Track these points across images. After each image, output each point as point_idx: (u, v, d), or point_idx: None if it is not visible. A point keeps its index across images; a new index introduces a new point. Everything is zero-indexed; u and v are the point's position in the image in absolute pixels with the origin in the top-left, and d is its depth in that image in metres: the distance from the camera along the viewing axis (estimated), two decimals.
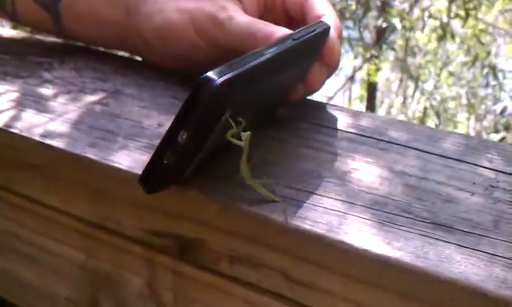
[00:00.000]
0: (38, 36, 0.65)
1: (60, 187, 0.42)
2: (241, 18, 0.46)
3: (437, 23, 2.46)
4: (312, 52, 0.43)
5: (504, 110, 2.32)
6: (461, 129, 3.03)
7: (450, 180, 0.38)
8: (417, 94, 2.89)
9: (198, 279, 0.38)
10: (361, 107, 3.11)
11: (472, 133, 2.85)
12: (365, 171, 0.38)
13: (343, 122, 0.45)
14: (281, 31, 0.44)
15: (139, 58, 0.58)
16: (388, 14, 2.41)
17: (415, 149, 0.42)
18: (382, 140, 0.43)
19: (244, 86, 0.33)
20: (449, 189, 0.37)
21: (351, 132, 0.43)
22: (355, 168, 0.39)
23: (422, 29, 2.59)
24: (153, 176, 0.33)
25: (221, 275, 0.37)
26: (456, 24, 2.56)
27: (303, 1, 0.48)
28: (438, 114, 2.86)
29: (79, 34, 0.58)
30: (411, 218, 0.34)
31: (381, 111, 3.18)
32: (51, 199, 0.43)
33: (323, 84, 0.46)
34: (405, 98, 2.91)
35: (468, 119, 2.99)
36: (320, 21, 0.43)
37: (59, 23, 0.56)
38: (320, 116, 0.46)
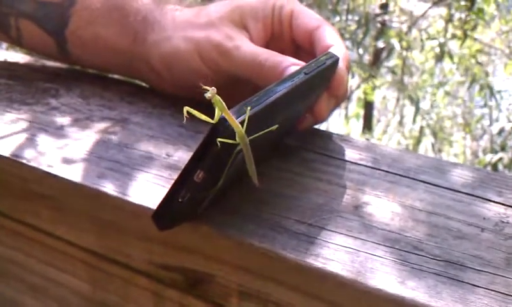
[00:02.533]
0: (44, 61, 0.65)
1: (67, 218, 0.42)
2: (248, 48, 0.47)
3: (435, 43, 2.48)
4: (321, 84, 0.43)
5: (501, 130, 2.33)
6: (457, 148, 3.05)
7: (460, 214, 0.38)
8: (413, 113, 2.91)
9: None
10: (357, 125, 3.13)
11: (468, 152, 2.87)
12: (375, 206, 0.38)
13: (350, 153, 0.45)
14: (288, 61, 0.44)
15: (145, 84, 0.58)
16: (386, 35, 2.43)
17: (424, 182, 0.42)
18: (390, 172, 0.43)
19: (258, 124, 0.33)
20: (459, 225, 0.37)
21: (359, 164, 0.43)
22: (365, 202, 0.39)
23: (421, 50, 2.61)
24: (167, 214, 0.33)
25: None
26: (453, 44, 2.59)
27: (311, 31, 0.48)
28: (434, 134, 2.87)
29: (84, 61, 0.58)
30: (423, 255, 0.34)
31: (377, 130, 3.20)
32: (58, 229, 0.43)
33: (331, 114, 0.47)
34: (402, 116, 2.94)
35: (464, 138, 3.01)
36: (330, 52, 0.44)
37: (64, 49, 0.56)
38: (327, 146, 0.46)
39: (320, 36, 0.48)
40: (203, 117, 0.34)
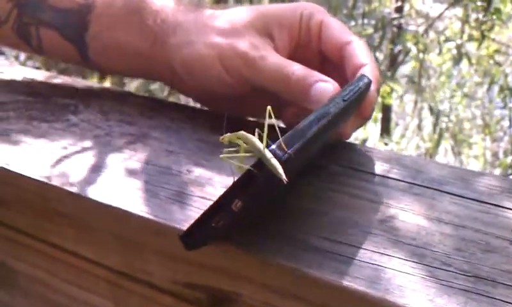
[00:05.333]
0: (62, 76, 0.65)
1: (91, 237, 0.42)
2: (273, 59, 0.46)
3: (452, 45, 2.45)
4: (355, 108, 0.43)
5: None
6: (477, 150, 3.02)
7: (487, 227, 0.37)
8: (433, 119, 2.88)
9: None
10: (375, 129, 3.11)
11: (488, 154, 2.84)
12: (401, 219, 0.38)
13: (374, 164, 0.44)
14: (316, 76, 0.44)
15: (165, 97, 0.58)
16: (402, 38, 2.41)
17: (449, 193, 0.41)
18: (415, 184, 0.42)
19: (301, 153, 0.33)
20: (487, 237, 0.36)
21: (383, 176, 0.43)
22: (391, 216, 0.38)
23: (439, 53, 2.59)
24: (198, 236, 0.33)
25: None
26: (470, 46, 2.56)
27: (342, 46, 0.47)
28: (453, 136, 2.84)
29: (105, 66, 0.58)
30: (451, 271, 0.33)
31: (396, 133, 3.18)
32: (82, 248, 0.43)
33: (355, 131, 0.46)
34: (420, 120, 2.92)
35: (484, 140, 2.97)
36: (364, 76, 0.43)
37: (85, 55, 0.56)
38: (351, 158, 0.45)
39: (352, 52, 0.46)
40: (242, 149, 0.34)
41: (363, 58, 0.46)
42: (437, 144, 2.74)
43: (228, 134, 0.35)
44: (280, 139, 0.32)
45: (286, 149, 0.32)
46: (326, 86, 0.44)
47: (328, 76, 0.45)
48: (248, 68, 0.46)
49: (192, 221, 0.34)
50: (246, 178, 0.31)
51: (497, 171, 2.64)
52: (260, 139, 0.34)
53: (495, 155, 2.81)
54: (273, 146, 0.32)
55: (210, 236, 0.34)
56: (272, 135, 0.35)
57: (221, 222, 0.32)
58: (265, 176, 0.31)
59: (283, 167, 0.31)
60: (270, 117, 0.35)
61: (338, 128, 0.44)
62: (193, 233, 0.33)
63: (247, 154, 0.34)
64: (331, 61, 0.49)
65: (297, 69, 0.44)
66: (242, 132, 0.34)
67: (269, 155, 0.32)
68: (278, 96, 0.47)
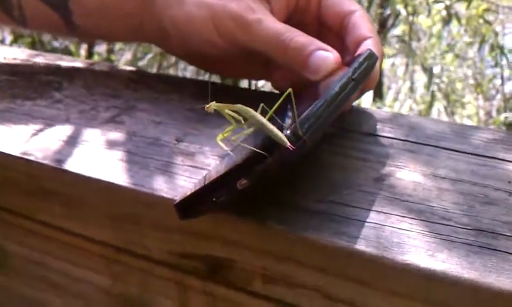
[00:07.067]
0: (45, 54, 0.64)
1: (81, 213, 0.41)
2: (270, 23, 0.43)
3: (441, 6, 2.43)
4: (361, 84, 0.42)
5: None
6: (470, 110, 3.01)
7: (485, 179, 0.36)
8: (424, 78, 2.86)
9: (231, 299, 0.37)
10: (368, 93, 3.08)
11: (482, 113, 2.83)
12: (396, 177, 0.37)
13: (367, 124, 0.43)
14: (315, 44, 0.42)
15: (148, 71, 0.57)
16: (392, 1, 2.38)
17: (445, 148, 0.40)
18: (409, 141, 0.41)
19: (313, 137, 0.32)
20: (486, 190, 0.35)
21: (377, 135, 0.42)
22: (386, 174, 0.37)
23: (428, 15, 2.57)
24: (194, 208, 0.32)
25: (254, 295, 0.35)
26: (459, 6, 2.54)
27: (345, 15, 0.45)
28: (446, 96, 2.83)
29: (91, 31, 0.55)
30: (451, 225, 0.32)
31: (388, 97, 3.16)
32: (73, 225, 0.42)
33: None
34: (412, 82, 2.90)
35: (477, 99, 2.96)
36: (371, 53, 0.41)
37: (70, 22, 0.53)
38: (343, 118, 0.44)
39: (355, 23, 0.44)
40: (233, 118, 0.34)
41: (367, 30, 0.44)
42: (430, 105, 2.73)
43: (215, 103, 0.34)
44: (296, 123, 0.31)
45: (301, 134, 0.30)
46: (326, 55, 0.41)
47: (325, 42, 0.43)
48: (243, 31, 0.44)
49: (186, 191, 0.33)
50: (253, 159, 0.30)
51: None
52: (263, 113, 0.33)
53: (488, 113, 2.81)
54: (288, 132, 0.30)
55: (208, 209, 0.33)
56: (277, 112, 0.34)
57: (223, 198, 0.31)
58: (276, 159, 0.30)
59: (297, 154, 0.30)
60: (290, 100, 0.34)
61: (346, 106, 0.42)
62: (190, 205, 0.32)
63: (249, 130, 0.33)
64: (329, 28, 0.47)
65: (295, 35, 0.42)
66: (241, 106, 0.34)
67: (271, 127, 0.31)
68: (269, 59, 0.46)
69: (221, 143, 0.33)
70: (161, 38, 0.51)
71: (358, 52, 0.43)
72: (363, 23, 0.44)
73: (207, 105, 0.34)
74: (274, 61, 0.45)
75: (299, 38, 0.42)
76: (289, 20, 0.47)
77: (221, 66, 0.52)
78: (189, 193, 0.32)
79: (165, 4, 0.48)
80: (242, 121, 0.34)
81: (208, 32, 0.45)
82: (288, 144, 0.30)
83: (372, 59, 0.40)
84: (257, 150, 0.30)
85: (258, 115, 0.33)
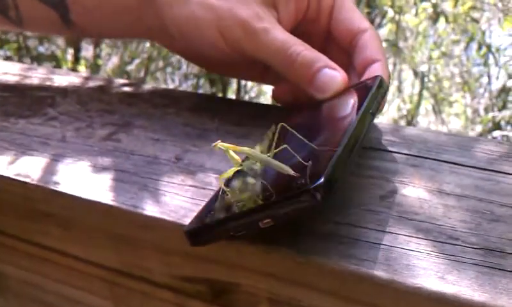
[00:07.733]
0: (35, 67, 0.62)
1: (79, 235, 0.40)
2: (278, 34, 0.42)
3: (427, 4, 2.44)
4: None
5: (503, 89, 2.30)
6: (457, 108, 3.02)
7: (490, 195, 0.36)
8: (411, 77, 2.87)
9: None
10: None
11: (469, 111, 2.85)
12: (401, 194, 0.36)
13: (369, 137, 0.43)
14: (323, 61, 0.41)
15: (142, 78, 0.56)
16: (379, 1, 2.39)
17: (448, 162, 0.40)
18: (411, 155, 0.41)
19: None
20: (491, 206, 0.35)
21: (379, 149, 0.41)
22: (391, 191, 0.37)
23: (416, 14, 2.58)
24: (208, 236, 0.31)
25: None
26: (446, 4, 2.55)
27: (356, 33, 0.44)
28: (434, 95, 2.84)
29: (89, 29, 0.54)
30: (459, 245, 0.32)
31: None
32: (71, 247, 0.41)
33: None
34: (400, 82, 2.91)
35: (464, 97, 2.98)
36: (382, 81, 0.40)
37: (68, 20, 0.52)
38: None
39: (366, 43, 0.44)
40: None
41: (376, 52, 0.43)
42: (418, 104, 2.74)
43: (221, 143, 0.35)
44: (322, 180, 0.29)
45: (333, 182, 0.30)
46: (334, 74, 0.41)
47: (331, 55, 0.42)
48: (249, 40, 0.42)
49: (194, 216, 0.33)
50: (281, 202, 0.29)
51: (478, 128, 2.65)
52: (273, 138, 0.33)
53: (475, 111, 2.82)
54: (321, 180, 0.29)
55: (223, 238, 0.32)
56: (286, 133, 0.34)
57: (242, 233, 0.30)
58: (307, 205, 0.29)
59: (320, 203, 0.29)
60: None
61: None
62: (204, 232, 0.31)
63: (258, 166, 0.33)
64: (336, 42, 0.46)
65: (303, 50, 0.41)
66: (248, 149, 0.34)
67: (280, 164, 0.32)
68: (273, 70, 0.44)
69: (221, 182, 0.33)
70: (161, 37, 0.50)
71: (366, 75, 0.42)
72: (373, 45, 0.43)
73: (213, 144, 0.34)
74: (279, 72, 0.44)
75: (307, 52, 0.41)
76: (296, 29, 0.45)
77: (223, 68, 0.51)
78: (204, 222, 0.32)
79: (166, 3, 0.46)
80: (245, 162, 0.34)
81: (211, 35, 0.44)
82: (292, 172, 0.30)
83: (383, 87, 0.39)
84: (287, 194, 0.29)
85: (264, 156, 0.33)
